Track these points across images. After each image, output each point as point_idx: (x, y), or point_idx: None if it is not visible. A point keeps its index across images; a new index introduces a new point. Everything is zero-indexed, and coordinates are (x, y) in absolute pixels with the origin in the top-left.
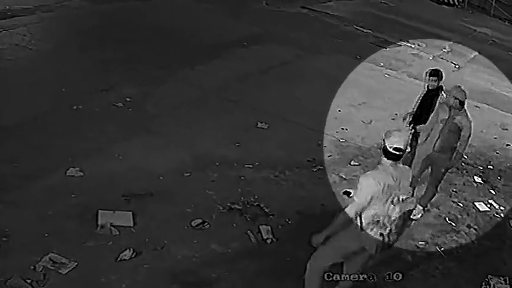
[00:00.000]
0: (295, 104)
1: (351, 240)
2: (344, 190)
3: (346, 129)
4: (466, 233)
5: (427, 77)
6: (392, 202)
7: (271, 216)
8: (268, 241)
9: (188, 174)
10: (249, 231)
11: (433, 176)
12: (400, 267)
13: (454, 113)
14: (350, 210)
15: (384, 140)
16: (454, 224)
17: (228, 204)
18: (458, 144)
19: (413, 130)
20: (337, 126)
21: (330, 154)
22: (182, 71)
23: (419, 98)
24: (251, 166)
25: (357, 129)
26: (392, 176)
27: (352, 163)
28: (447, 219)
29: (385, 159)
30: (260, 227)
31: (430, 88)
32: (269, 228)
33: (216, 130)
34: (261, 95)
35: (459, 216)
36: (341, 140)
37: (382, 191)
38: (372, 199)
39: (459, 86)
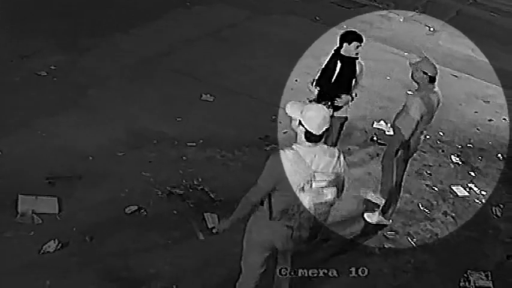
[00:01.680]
0: (245, 73)
1: (263, 230)
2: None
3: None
4: (442, 222)
5: (350, 44)
6: (302, 189)
7: (217, 202)
8: (214, 231)
9: (122, 153)
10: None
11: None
12: (366, 261)
13: (424, 90)
14: (251, 195)
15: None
16: (428, 211)
17: (168, 188)
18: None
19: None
20: (294, 98)
21: (285, 131)
22: (115, 35)
23: (335, 69)
24: (194, 144)
25: None
26: (306, 157)
27: None
28: (420, 205)
29: (303, 137)
30: (205, 214)
31: (348, 56)
32: (215, 216)
33: (154, 103)
34: (205, 62)
35: (434, 202)
36: None
37: (292, 174)
38: (279, 183)
39: (427, 58)
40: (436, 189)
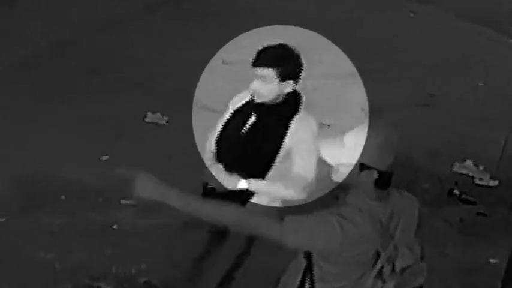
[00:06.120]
0: (224, 75)
1: None
2: None
3: (328, 126)
4: None
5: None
6: (380, 274)
7: None
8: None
9: (3, 219)
10: None
11: None
12: None
13: None
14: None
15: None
16: None
17: (86, 281)
18: None
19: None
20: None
21: None
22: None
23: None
24: (133, 203)
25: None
26: (378, 219)
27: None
28: None
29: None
30: None
31: (256, 102)
32: None
33: (63, 129)
34: (153, 56)
35: None
36: None
37: (361, 251)
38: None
39: None
40: None
